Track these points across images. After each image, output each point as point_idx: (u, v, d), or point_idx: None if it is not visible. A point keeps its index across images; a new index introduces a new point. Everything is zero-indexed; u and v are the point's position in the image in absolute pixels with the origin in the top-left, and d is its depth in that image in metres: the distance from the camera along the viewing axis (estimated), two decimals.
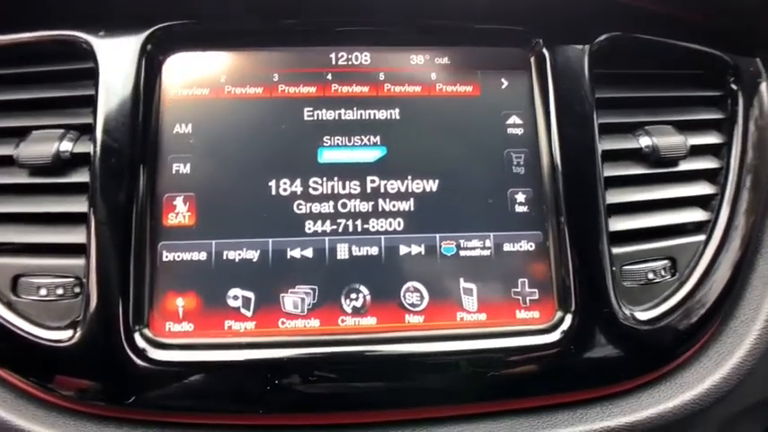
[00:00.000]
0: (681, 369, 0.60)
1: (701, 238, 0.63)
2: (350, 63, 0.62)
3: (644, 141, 0.63)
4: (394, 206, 0.59)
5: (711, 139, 0.67)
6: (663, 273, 0.61)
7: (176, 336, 0.55)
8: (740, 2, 0.64)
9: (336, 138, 0.60)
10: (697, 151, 0.65)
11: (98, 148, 0.56)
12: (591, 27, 0.63)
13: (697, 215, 0.64)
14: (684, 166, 0.65)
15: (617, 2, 0.63)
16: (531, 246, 0.59)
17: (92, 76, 0.58)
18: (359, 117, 0.61)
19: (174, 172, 0.58)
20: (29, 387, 0.55)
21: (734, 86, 0.68)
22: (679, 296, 0.61)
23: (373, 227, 0.58)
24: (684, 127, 0.65)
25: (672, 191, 0.64)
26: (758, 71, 0.69)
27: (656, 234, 0.62)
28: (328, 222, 0.58)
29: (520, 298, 0.58)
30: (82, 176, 0.57)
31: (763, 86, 0.68)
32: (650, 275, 0.61)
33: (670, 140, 0.63)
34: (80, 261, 0.55)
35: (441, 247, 0.58)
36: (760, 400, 0.67)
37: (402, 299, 0.57)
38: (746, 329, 0.62)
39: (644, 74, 0.67)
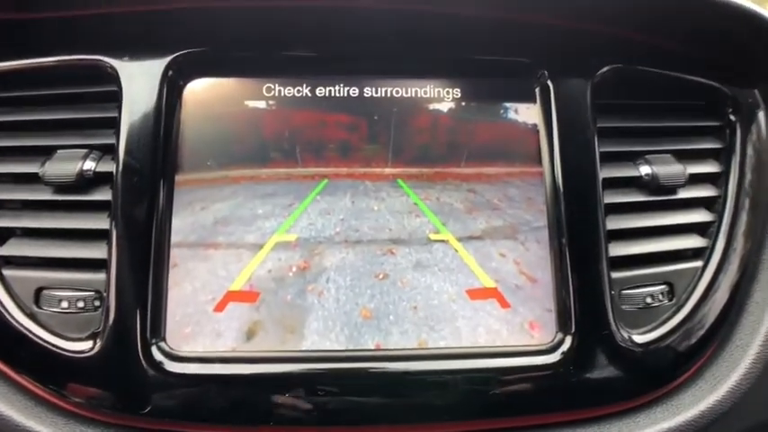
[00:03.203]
0: (677, 391, 0.61)
1: (699, 264, 0.64)
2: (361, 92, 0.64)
3: (644, 170, 0.64)
4: None
5: (710, 168, 0.68)
6: (661, 297, 0.62)
7: (192, 349, 0.56)
8: (738, 37, 0.65)
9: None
10: (696, 180, 0.66)
11: (120, 168, 0.57)
12: (593, 59, 0.65)
13: (695, 242, 0.65)
14: (683, 194, 0.65)
15: (618, 36, 0.64)
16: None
17: (115, 98, 0.60)
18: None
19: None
20: (48, 395, 0.56)
21: (732, 117, 0.69)
22: (676, 320, 0.61)
23: None
24: (684, 156, 0.66)
25: (670, 218, 0.65)
26: (756, 102, 0.69)
27: (654, 259, 0.63)
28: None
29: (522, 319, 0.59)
30: (104, 195, 0.58)
31: (760, 117, 0.69)
32: (648, 300, 0.62)
33: (669, 169, 0.64)
34: (101, 276, 0.56)
35: None
36: (758, 423, 0.67)
37: None
38: (742, 354, 0.62)
39: (644, 104, 0.68)
